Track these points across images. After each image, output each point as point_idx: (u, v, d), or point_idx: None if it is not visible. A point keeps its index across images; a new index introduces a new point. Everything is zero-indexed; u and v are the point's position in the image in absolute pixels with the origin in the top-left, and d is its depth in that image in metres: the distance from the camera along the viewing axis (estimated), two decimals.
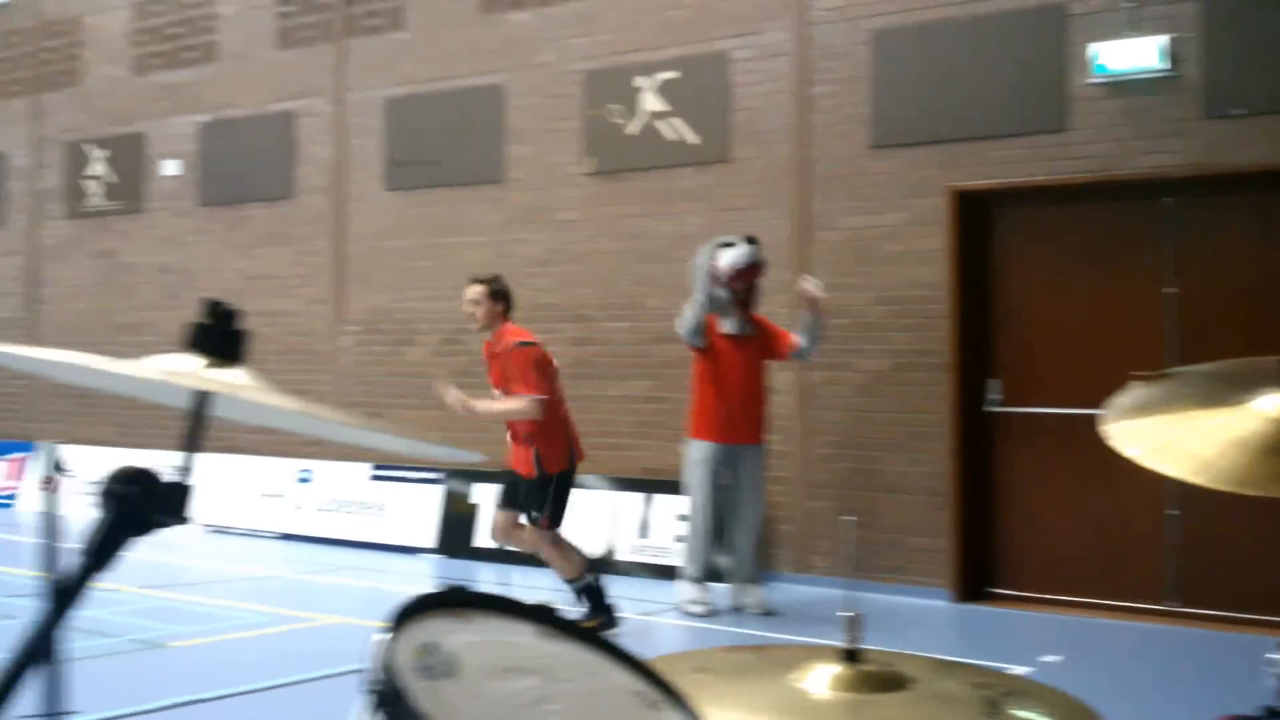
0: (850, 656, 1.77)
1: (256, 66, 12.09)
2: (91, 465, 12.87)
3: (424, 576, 9.28)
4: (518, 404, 6.95)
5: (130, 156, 13.05)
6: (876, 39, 8.67)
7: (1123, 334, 7.95)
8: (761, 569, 7.90)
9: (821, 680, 1.76)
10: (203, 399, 1.56)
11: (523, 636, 1.50)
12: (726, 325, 7.74)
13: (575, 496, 7.31)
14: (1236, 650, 6.71)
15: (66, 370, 1.67)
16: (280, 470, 11.18)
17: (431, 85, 10.90)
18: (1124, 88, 7.85)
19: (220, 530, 11.10)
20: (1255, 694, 2.63)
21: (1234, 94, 7.55)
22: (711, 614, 7.58)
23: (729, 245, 7.71)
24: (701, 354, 7.77)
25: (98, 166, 13.34)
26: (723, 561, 7.83)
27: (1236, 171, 7.57)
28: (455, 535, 10.01)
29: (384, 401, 10.88)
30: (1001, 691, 1.82)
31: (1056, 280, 8.25)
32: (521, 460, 7.11)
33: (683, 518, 7.93)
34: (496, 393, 7.24)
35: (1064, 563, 8.11)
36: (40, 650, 1.41)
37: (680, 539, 8.02)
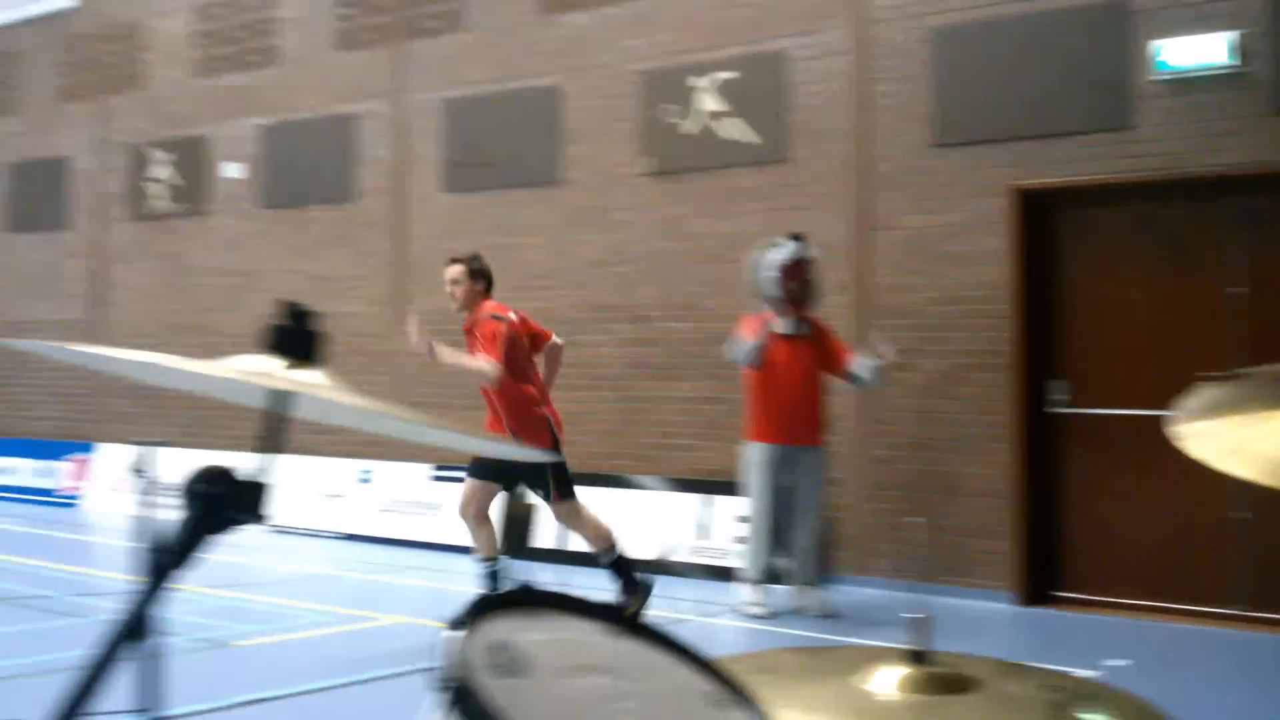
0: (917, 658, 1.75)
1: (317, 69, 12.21)
2: (153, 465, 13.02)
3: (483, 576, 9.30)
4: (479, 363, 6.94)
5: (193, 159, 13.22)
6: (937, 37, 8.60)
7: (1190, 334, 7.83)
8: (822, 571, 7.85)
9: (888, 682, 1.75)
10: (282, 399, 1.58)
11: (591, 635, 1.51)
12: (781, 325, 7.70)
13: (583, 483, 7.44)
14: None
15: (149, 370, 1.69)
16: (341, 470, 11.27)
17: (490, 87, 10.95)
18: (1190, 84, 7.73)
19: (282, 530, 11.21)
20: None
21: None
22: (771, 616, 7.55)
23: (776, 246, 7.73)
24: (759, 354, 7.74)
25: (162, 169, 13.53)
26: (783, 564, 7.79)
27: None
28: (514, 535, 10.03)
29: (444, 403, 10.94)
30: (1070, 694, 1.81)
31: (1122, 280, 8.13)
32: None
33: (742, 519, 7.89)
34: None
35: (1129, 566, 7.99)
36: (123, 646, 1.43)
37: (740, 541, 7.99)
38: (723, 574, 8.56)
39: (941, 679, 1.75)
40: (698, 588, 8.52)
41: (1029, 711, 1.74)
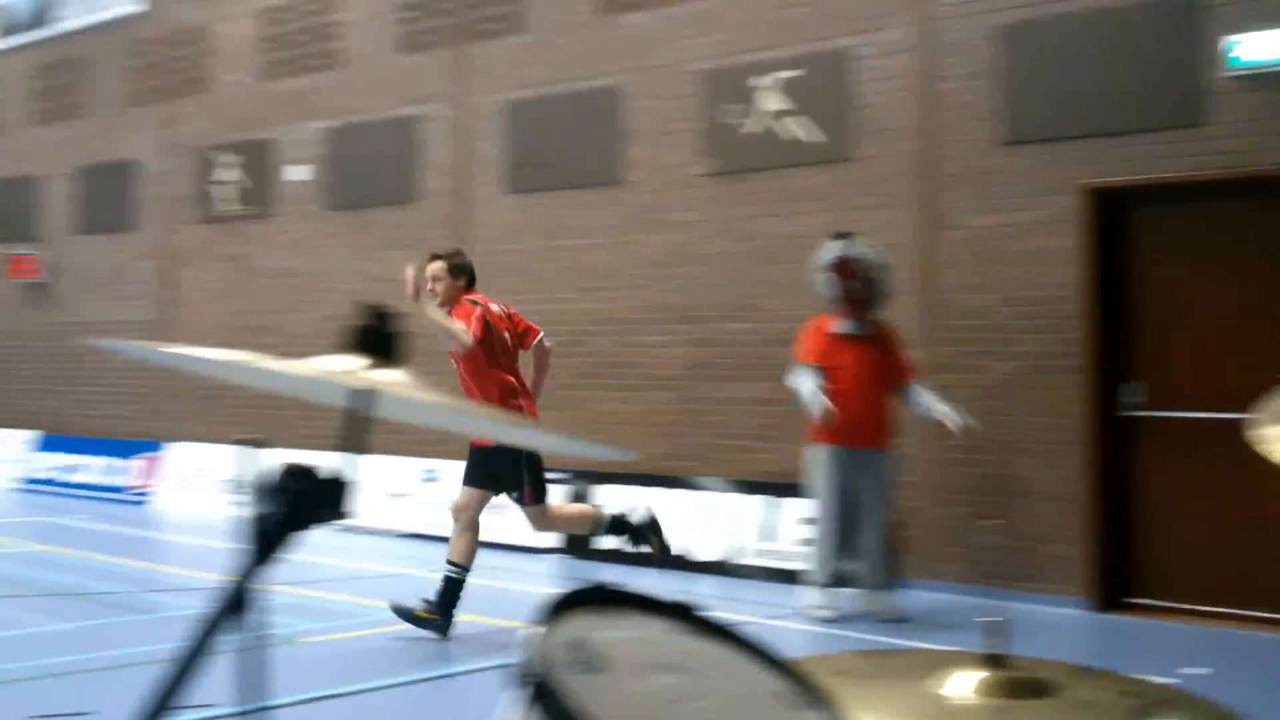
0: (993, 662, 1.73)
1: (379, 72, 12.29)
2: (220, 464, 13.23)
3: (549, 576, 9.33)
4: (458, 327, 6.96)
5: (258, 162, 13.36)
6: (1004, 33, 8.49)
7: (1268, 335, 7.66)
8: (889, 575, 7.77)
9: (964, 685, 1.73)
10: (364, 398, 1.58)
11: (667, 634, 1.52)
12: (841, 326, 7.64)
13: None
14: None
15: (235, 370, 1.70)
16: (406, 470, 11.34)
17: (550, 88, 10.97)
18: (1263, 80, 7.57)
19: (347, 529, 11.29)
20: None
21: None
22: (837, 620, 7.50)
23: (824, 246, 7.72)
24: (819, 351, 7.68)
25: (228, 172, 13.68)
26: (850, 567, 7.73)
27: None
28: (578, 535, 10.02)
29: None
30: (1150, 701, 1.77)
31: (1197, 280, 7.98)
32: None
33: (808, 522, 7.84)
34: (453, 361, 7.28)
35: (1206, 572, 7.83)
36: (208, 644, 1.45)
37: (805, 544, 7.94)
38: (787, 577, 8.50)
39: (1018, 683, 1.72)
40: (762, 590, 8.47)
41: (1108, 717, 1.72)
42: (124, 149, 14.84)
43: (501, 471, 7.13)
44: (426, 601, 7.01)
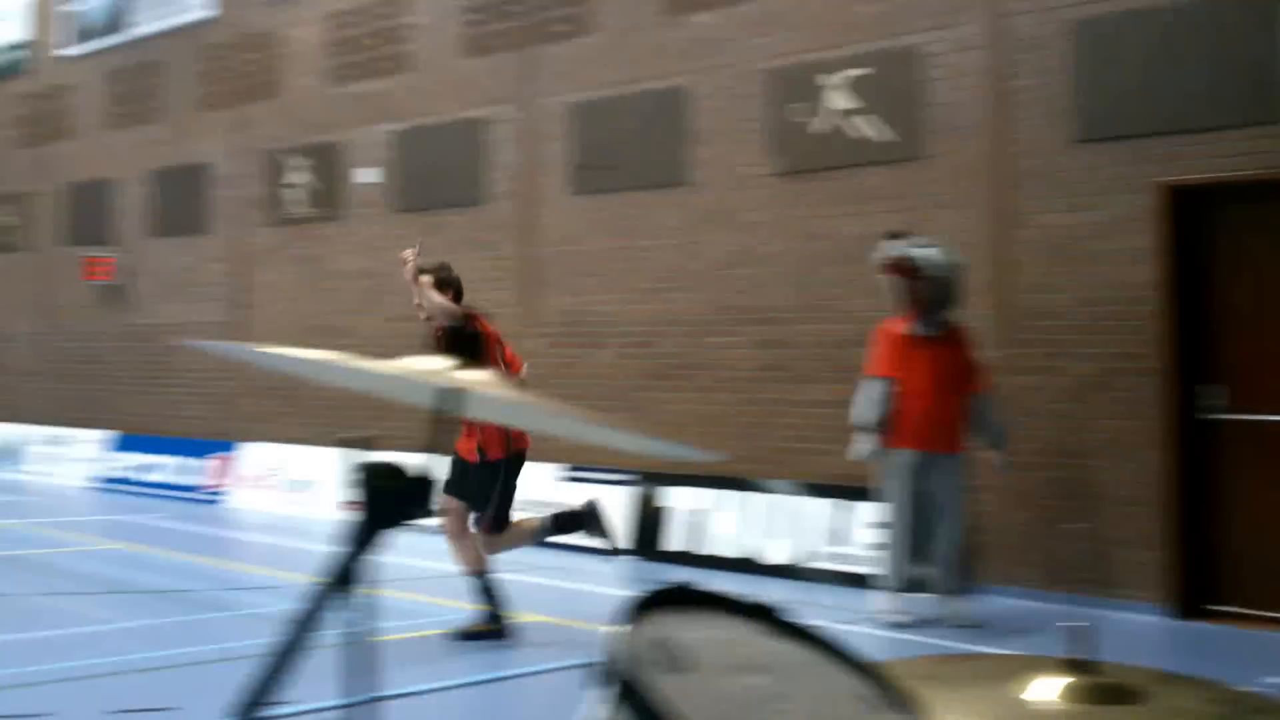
0: (1078, 667, 1.71)
1: (446, 75, 12.36)
2: (293, 464, 13.36)
3: (616, 577, 9.33)
4: (450, 307, 7.01)
5: (328, 165, 13.49)
6: (1079, 28, 8.36)
7: None
8: (964, 580, 7.67)
9: (1048, 691, 1.70)
10: (452, 398, 1.60)
11: (750, 635, 1.52)
12: (913, 326, 7.56)
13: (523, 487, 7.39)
14: None
15: (322, 369, 1.73)
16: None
17: (616, 89, 10.97)
18: None
19: (414, 528, 11.35)
20: None
21: None
22: (911, 625, 7.42)
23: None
24: (891, 357, 7.61)
25: (298, 175, 13.83)
26: (922, 572, 7.63)
27: None
28: (646, 536, 10.03)
29: (576, 405, 10.98)
30: (1240, 709, 1.73)
31: (1278, 280, 7.79)
32: (466, 448, 7.12)
33: (880, 526, 7.76)
34: None
35: None
36: (303, 639, 1.48)
37: (877, 548, 7.86)
38: (859, 581, 8.43)
39: (1104, 689, 1.70)
40: (833, 594, 8.41)
41: None
42: (196, 152, 15.05)
43: (476, 490, 7.12)
44: (475, 617, 7.06)
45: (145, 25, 15.86)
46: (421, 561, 10.05)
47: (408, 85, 12.71)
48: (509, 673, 6.35)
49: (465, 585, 7.12)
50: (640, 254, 10.74)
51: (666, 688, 1.29)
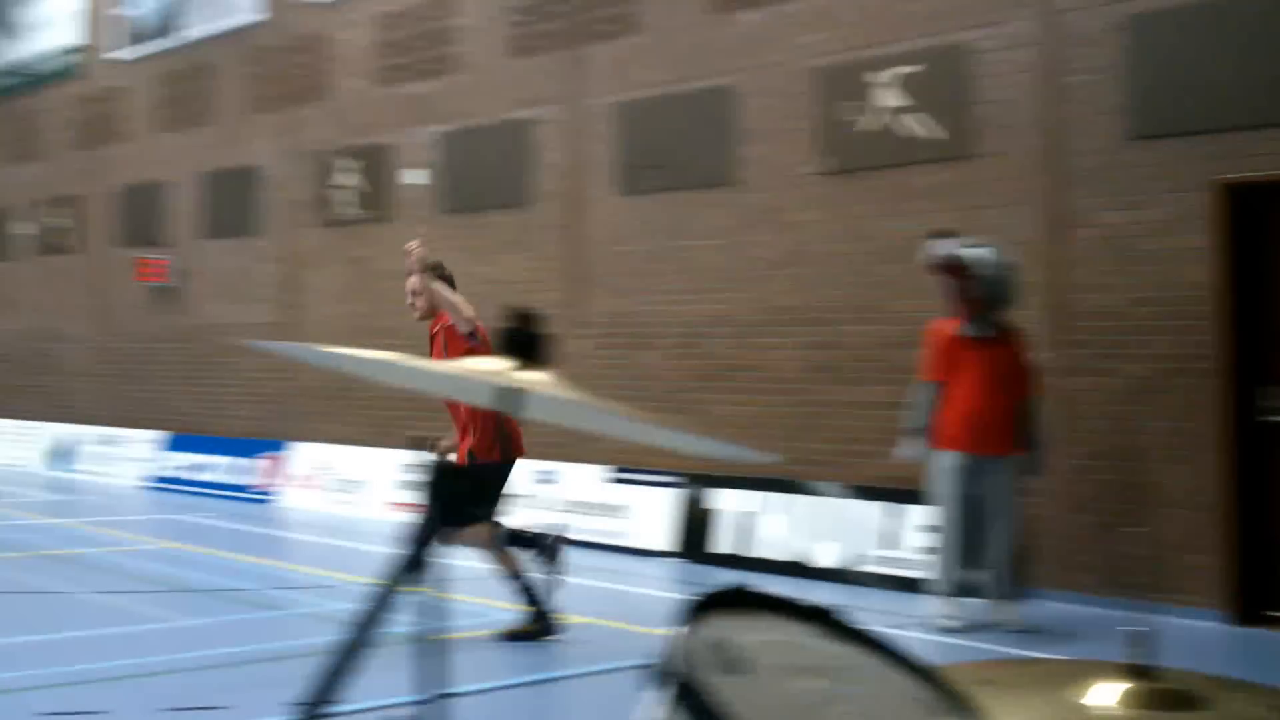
0: (1139, 673, 1.67)
1: (493, 76, 12.38)
2: (343, 464, 13.41)
3: (664, 580, 9.31)
4: (464, 307, 6.94)
5: (377, 167, 13.55)
6: (1133, 24, 8.24)
7: None
8: (1017, 584, 7.57)
9: (1107, 696, 1.67)
10: (513, 398, 1.62)
11: (808, 637, 1.52)
12: (964, 327, 7.48)
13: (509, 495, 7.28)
14: None
15: (383, 369, 1.74)
16: (522, 470, 11.39)
17: (663, 88, 10.94)
18: None
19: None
20: None
21: None
22: (964, 630, 7.33)
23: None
24: (942, 358, 7.53)
25: (347, 176, 13.90)
26: (975, 576, 7.54)
27: None
28: (694, 539, 10.00)
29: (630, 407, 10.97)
30: None
31: None
32: (460, 453, 7.07)
33: (931, 530, 7.68)
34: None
35: None
36: (367, 638, 1.50)
37: (928, 551, 7.78)
38: (909, 585, 8.35)
39: (1165, 695, 1.65)
40: (883, 599, 8.33)
41: None
42: (247, 155, 15.17)
43: (474, 495, 7.07)
44: (521, 618, 7.05)
45: (196, 28, 16.01)
46: (467, 561, 10.07)
47: (455, 86, 12.75)
48: (559, 674, 6.33)
49: (504, 588, 7.10)
50: (687, 254, 10.71)
51: (723, 689, 1.29)
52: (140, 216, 16.93)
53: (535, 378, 1.67)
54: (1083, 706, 1.67)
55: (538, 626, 7.00)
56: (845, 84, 9.67)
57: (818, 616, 1.56)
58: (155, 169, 16.64)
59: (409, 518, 1.52)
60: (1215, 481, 7.78)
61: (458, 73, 12.73)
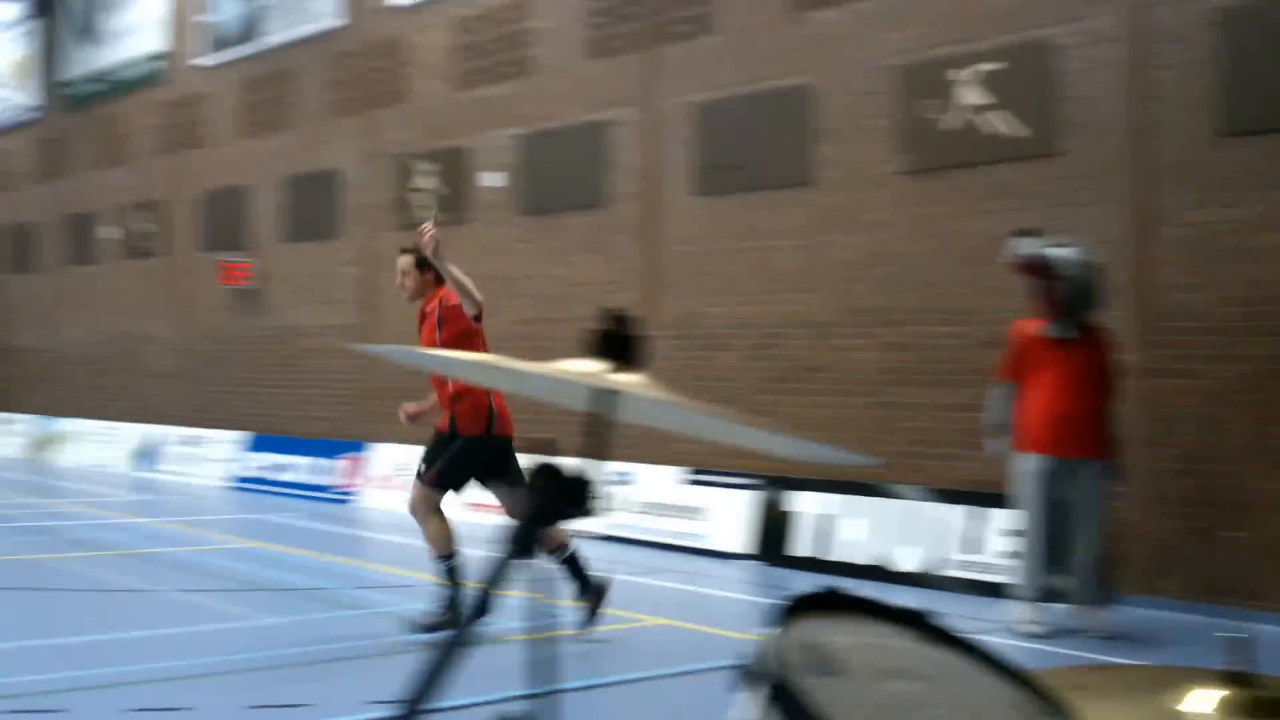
0: (1237, 680, 1.61)
1: (569, 78, 12.41)
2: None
3: (742, 583, 9.26)
4: (473, 289, 6.86)
5: (454, 169, 13.64)
6: (1221, 18, 8.05)
7: None
8: (1104, 590, 7.41)
9: (1204, 703, 1.62)
10: (608, 400, 1.65)
11: (900, 640, 1.51)
12: (1046, 328, 7.35)
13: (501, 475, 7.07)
14: None
15: (479, 371, 1.75)
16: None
17: (740, 88, 10.89)
18: None
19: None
20: None
21: None
22: (1048, 636, 7.20)
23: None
24: (1020, 358, 7.42)
25: (425, 180, 14.02)
26: (1060, 581, 7.41)
27: None
28: (771, 541, 9.94)
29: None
30: None
31: None
32: (442, 420, 7.08)
33: (1015, 534, 7.56)
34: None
35: None
36: (467, 636, 1.51)
37: (1012, 556, 7.66)
38: (993, 590, 8.22)
39: (1264, 703, 1.59)
40: (966, 603, 8.21)
41: None
42: (327, 159, 15.34)
43: (433, 454, 7.03)
44: (434, 610, 6.89)
45: (277, 35, 16.24)
46: (543, 563, 10.09)
47: (532, 89, 12.79)
48: (637, 676, 6.31)
49: (434, 569, 6.95)
50: (764, 255, 10.65)
51: (817, 691, 1.29)
52: (223, 220, 17.20)
53: (630, 379, 1.66)
54: (1180, 713, 1.62)
55: (445, 620, 6.73)
56: (926, 81, 9.56)
57: (911, 619, 1.54)
58: (237, 173, 16.90)
59: (510, 518, 1.52)
60: None
61: (535, 75, 12.77)
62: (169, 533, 11.90)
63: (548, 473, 1.55)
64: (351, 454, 14.31)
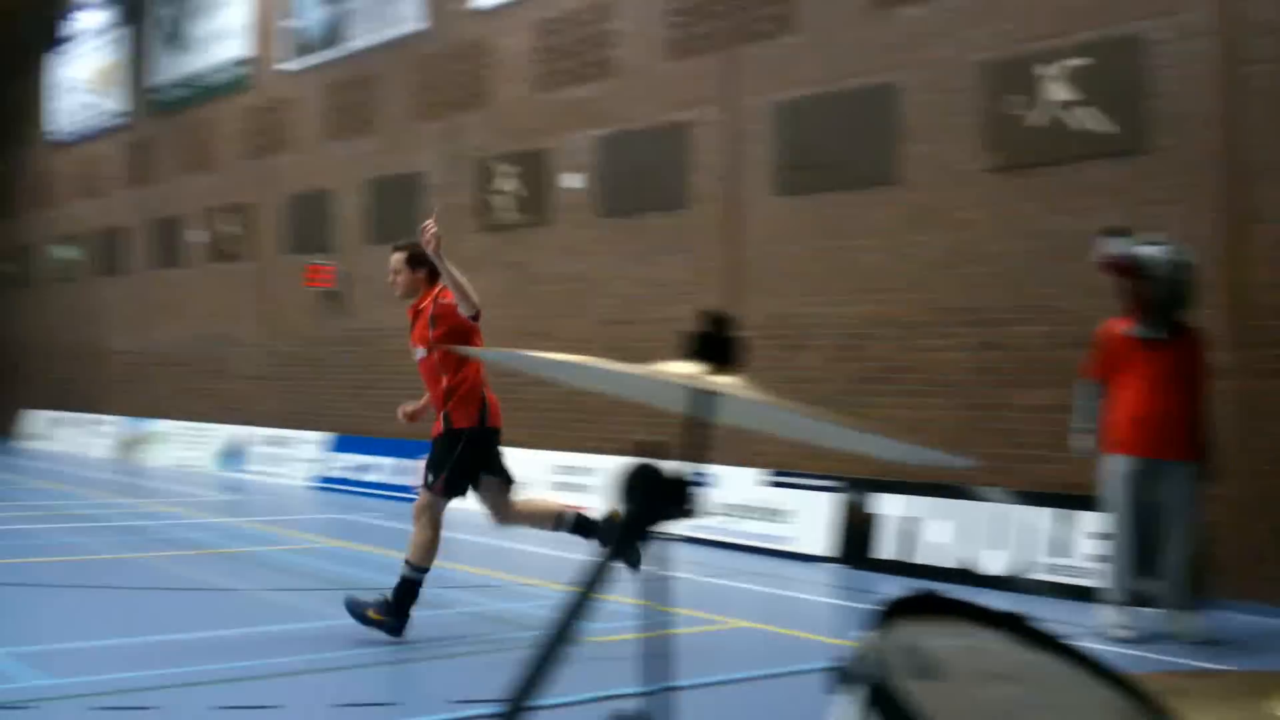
0: None
1: (650, 78, 12.40)
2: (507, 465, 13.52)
3: (826, 586, 9.19)
4: (470, 290, 6.83)
5: (535, 172, 13.70)
6: None
7: None
8: (1195, 595, 7.25)
9: None
10: (707, 402, 1.67)
11: (1000, 644, 1.51)
12: (1135, 327, 7.20)
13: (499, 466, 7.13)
14: None
15: (578, 372, 1.77)
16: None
17: (822, 87, 10.81)
18: None
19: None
20: None
21: None
22: (1139, 641, 7.05)
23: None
24: (1107, 358, 7.28)
25: (507, 182, 14.09)
26: (1150, 585, 7.25)
27: None
28: (854, 544, 9.84)
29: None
30: None
31: None
32: (437, 421, 7.05)
33: (1103, 536, 7.41)
34: (418, 351, 7.16)
35: None
36: (566, 636, 1.51)
37: (1101, 560, 7.51)
38: (1083, 594, 8.07)
39: None
40: (1054, 608, 8.07)
41: None
42: (410, 162, 15.49)
43: (437, 458, 7.01)
44: (380, 603, 6.88)
45: (360, 39, 16.42)
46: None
47: (612, 90, 12.81)
48: (722, 678, 6.28)
49: (400, 564, 6.99)
50: (847, 255, 10.56)
51: (916, 694, 1.29)
52: (307, 223, 17.43)
53: (729, 381, 1.66)
54: None
55: (394, 624, 6.78)
56: (1012, 78, 9.42)
57: (1010, 622, 1.53)
58: (321, 177, 17.11)
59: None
60: None
61: (616, 76, 12.79)
62: (255, 532, 12.08)
63: (647, 474, 1.55)
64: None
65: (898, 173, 10.18)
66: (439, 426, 7.09)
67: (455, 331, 7.06)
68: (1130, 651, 6.90)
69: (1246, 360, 7.98)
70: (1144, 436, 7.13)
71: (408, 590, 6.86)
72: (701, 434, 1.65)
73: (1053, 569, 8.60)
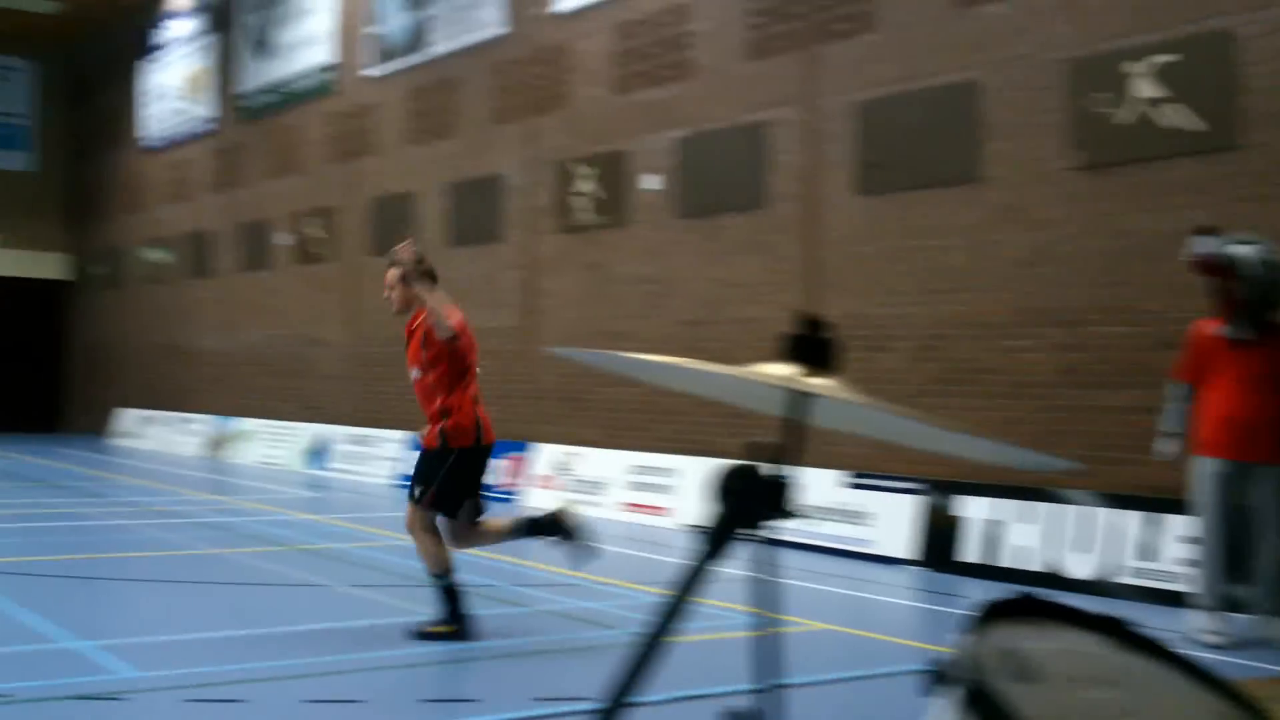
0: None
1: (729, 79, 12.39)
2: (582, 465, 13.63)
3: (907, 588, 9.12)
4: (447, 311, 6.78)
5: (614, 173, 13.75)
6: None
7: None
8: None
9: None
10: (803, 404, 1.69)
11: (1098, 647, 1.50)
12: (1225, 328, 7.06)
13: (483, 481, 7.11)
14: None
15: (671, 374, 1.79)
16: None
17: (903, 85, 10.74)
18: None
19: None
20: None
21: None
22: (1230, 647, 6.91)
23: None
24: (1196, 359, 7.15)
25: (585, 184, 14.16)
26: (1241, 590, 7.11)
27: None
28: (937, 547, 9.75)
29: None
30: None
31: None
32: (430, 435, 6.97)
33: (1192, 541, 7.28)
34: (414, 371, 7.07)
35: None
36: (665, 632, 1.54)
37: (1190, 564, 7.37)
38: (1172, 599, 7.93)
39: None
40: (1142, 612, 7.94)
41: None
42: (490, 164, 15.62)
43: (427, 473, 6.97)
44: (437, 617, 6.92)
45: (443, 45, 16.60)
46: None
47: (691, 91, 12.82)
48: (805, 680, 6.26)
49: (430, 584, 7.00)
50: (928, 254, 10.47)
51: (1014, 697, 1.29)
52: (390, 226, 17.63)
53: (826, 384, 1.67)
54: None
55: (454, 629, 6.82)
56: (1098, 75, 9.28)
57: (1108, 627, 1.52)
58: (404, 180, 17.32)
59: (703, 522, 1.53)
60: None
61: (694, 77, 12.80)
62: (339, 529, 12.26)
63: (745, 475, 1.56)
64: (514, 454, 14.52)
65: (980, 171, 10.07)
66: (432, 441, 7.04)
67: (443, 354, 7.01)
68: (1222, 658, 6.77)
69: None
70: (1233, 439, 7.01)
71: (446, 596, 6.92)
72: (798, 436, 1.66)
73: (1140, 573, 8.46)
